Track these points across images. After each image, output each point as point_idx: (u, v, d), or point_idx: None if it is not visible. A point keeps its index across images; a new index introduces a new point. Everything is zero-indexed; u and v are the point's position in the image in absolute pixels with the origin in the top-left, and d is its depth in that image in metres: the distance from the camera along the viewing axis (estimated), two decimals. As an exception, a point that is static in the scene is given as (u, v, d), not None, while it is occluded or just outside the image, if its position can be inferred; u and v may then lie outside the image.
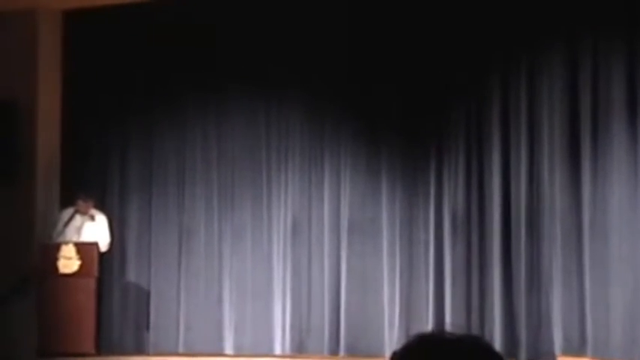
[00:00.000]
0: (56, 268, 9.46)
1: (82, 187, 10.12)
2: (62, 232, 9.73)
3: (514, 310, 9.09)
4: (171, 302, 10.13)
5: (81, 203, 9.83)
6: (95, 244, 9.64)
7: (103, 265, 9.77)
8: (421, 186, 9.55)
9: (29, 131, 10.26)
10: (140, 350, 10.13)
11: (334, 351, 9.63)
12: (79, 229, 9.81)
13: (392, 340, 9.30)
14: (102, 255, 9.73)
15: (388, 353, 9.32)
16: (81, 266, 9.47)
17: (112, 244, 9.96)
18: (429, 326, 9.14)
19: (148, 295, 10.24)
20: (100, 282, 9.78)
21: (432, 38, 9.56)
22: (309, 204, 9.90)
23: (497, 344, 8.93)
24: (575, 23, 9.15)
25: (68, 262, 9.47)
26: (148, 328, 10.18)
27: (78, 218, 9.82)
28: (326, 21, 9.84)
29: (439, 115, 9.56)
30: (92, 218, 9.86)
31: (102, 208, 10.08)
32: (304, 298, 9.78)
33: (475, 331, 8.99)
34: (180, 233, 10.24)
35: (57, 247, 9.54)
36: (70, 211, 9.87)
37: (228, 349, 9.90)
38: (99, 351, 9.67)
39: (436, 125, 9.57)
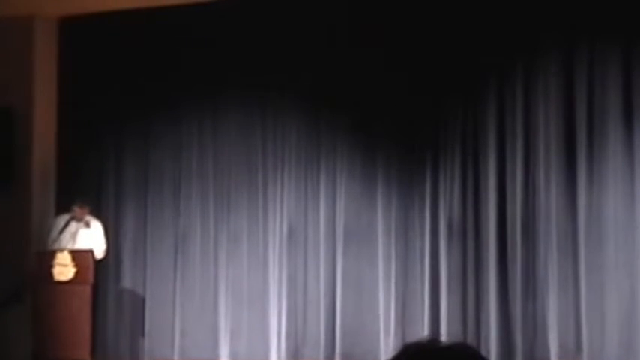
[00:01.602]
0: (51, 275, 9.42)
1: (78, 193, 10.11)
2: (57, 238, 9.69)
3: (510, 317, 9.08)
4: (167, 308, 10.11)
5: (76, 210, 9.79)
6: (90, 251, 9.59)
7: (98, 271, 9.73)
8: (417, 192, 9.54)
9: (25, 137, 10.25)
10: (135, 357, 10.12)
11: (330, 357, 9.60)
12: (74, 236, 9.77)
13: (387, 346, 9.29)
14: (97, 262, 9.70)
15: (384, 360, 9.27)
16: (76, 273, 9.42)
17: (107, 250, 9.94)
18: (424, 333, 9.14)
19: (143, 301, 10.23)
20: (96, 289, 9.75)
21: (427, 46, 9.56)
22: (304, 210, 9.89)
23: (493, 350, 8.93)
24: (572, 31, 9.17)
25: (63, 269, 9.43)
26: (143, 334, 10.17)
27: (73, 225, 9.78)
28: (323, 28, 9.84)
29: (435, 122, 9.56)
30: (87, 225, 9.82)
31: (97, 214, 10.06)
32: (300, 304, 9.77)
33: (471, 337, 8.99)
34: (175, 239, 10.22)
35: (52, 254, 9.49)
36: (65, 217, 9.83)
37: (224, 355, 9.88)
38: (94, 358, 9.63)
39: (432, 132, 9.57)
